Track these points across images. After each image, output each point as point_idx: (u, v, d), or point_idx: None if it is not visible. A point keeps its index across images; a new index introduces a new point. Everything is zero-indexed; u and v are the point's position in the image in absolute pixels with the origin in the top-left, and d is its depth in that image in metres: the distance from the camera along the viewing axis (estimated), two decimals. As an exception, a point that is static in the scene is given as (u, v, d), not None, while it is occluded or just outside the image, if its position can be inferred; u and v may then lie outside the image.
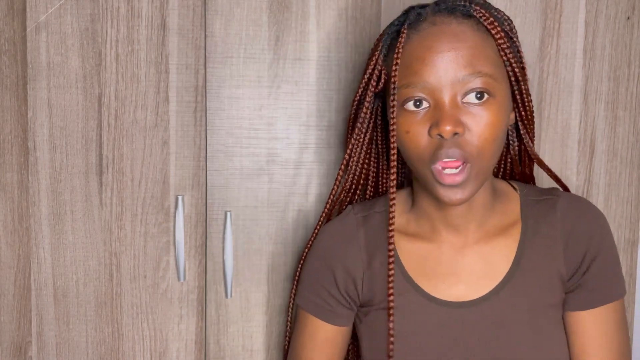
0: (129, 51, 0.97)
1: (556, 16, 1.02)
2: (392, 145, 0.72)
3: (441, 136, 0.68)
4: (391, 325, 0.74)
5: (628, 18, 1.03)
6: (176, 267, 1.00)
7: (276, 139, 1.01)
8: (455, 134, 0.68)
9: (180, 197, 0.98)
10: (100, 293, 1.00)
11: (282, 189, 1.01)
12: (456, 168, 0.68)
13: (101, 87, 0.97)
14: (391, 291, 0.74)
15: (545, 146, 1.04)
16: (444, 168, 0.69)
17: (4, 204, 0.98)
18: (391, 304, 0.74)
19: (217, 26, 0.98)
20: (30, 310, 1.00)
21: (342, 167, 0.85)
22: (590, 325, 0.76)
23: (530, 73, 1.02)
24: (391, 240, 0.74)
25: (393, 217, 0.74)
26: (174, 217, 0.99)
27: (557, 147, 1.04)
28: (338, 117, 1.01)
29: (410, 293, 0.79)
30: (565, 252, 0.77)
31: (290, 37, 0.99)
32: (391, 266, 0.74)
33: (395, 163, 0.73)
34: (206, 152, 0.99)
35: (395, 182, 0.73)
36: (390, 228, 0.74)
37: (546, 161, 1.04)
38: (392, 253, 0.74)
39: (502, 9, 1.01)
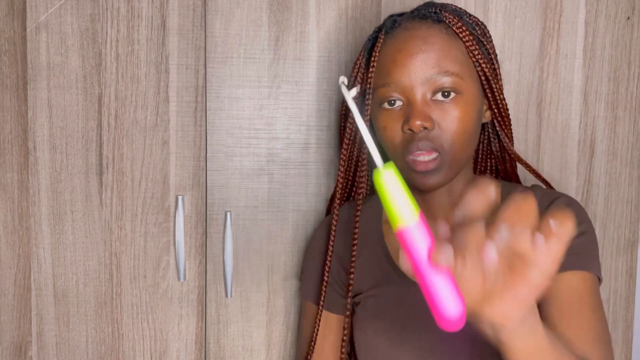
0: (129, 51, 0.97)
1: (556, 16, 1.02)
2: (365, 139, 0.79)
3: (412, 131, 0.74)
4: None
5: (628, 18, 1.03)
6: (176, 267, 1.00)
7: (276, 139, 1.01)
8: (425, 128, 0.74)
9: (180, 197, 0.98)
10: (100, 293, 1.00)
11: (282, 189, 1.01)
12: (427, 156, 0.74)
13: (101, 87, 0.97)
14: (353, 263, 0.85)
15: (545, 146, 1.04)
16: (417, 156, 0.74)
17: (4, 204, 0.98)
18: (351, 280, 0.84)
19: (217, 26, 0.98)
20: (30, 310, 1.00)
21: (340, 166, 0.89)
22: (561, 288, 0.75)
23: (530, 73, 1.02)
24: (357, 218, 0.86)
25: (360, 204, 0.84)
26: (174, 217, 0.99)
27: (557, 147, 1.04)
28: (338, 117, 1.01)
29: (394, 278, 0.84)
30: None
31: (290, 37, 0.99)
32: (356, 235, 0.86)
33: (366, 155, 0.81)
34: (206, 152, 0.99)
35: (366, 172, 0.83)
36: (357, 214, 0.85)
37: (546, 161, 1.04)
38: (356, 231, 0.85)
39: (502, 9, 1.01)
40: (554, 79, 1.03)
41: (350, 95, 0.43)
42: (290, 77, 1.00)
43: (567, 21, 1.02)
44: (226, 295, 1.01)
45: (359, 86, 0.42)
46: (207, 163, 1.00)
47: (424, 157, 0.74)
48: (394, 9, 1.00)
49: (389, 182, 0.42)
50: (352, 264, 0.86)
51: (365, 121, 0.79)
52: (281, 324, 1.04)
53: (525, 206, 0.41)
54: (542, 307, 0.77)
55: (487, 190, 0.43)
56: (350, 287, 0.86)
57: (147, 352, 1.02)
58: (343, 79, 0.43)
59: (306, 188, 1.02)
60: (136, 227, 0.99)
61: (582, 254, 0.78)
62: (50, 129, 0.97)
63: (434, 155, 0.74)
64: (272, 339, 1.04)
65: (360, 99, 0.87)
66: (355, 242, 0.86)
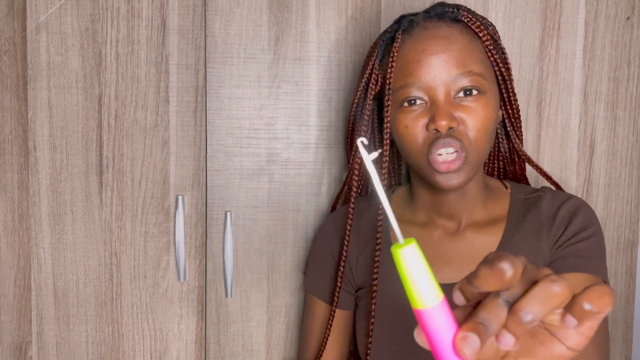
0: (129, 51, 0.97)
1: (556, 16, 1.02)
2: (385, 142, 0.80)
3: (437, 130, 0.74)
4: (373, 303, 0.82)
5: (628, 18, 1.03)
6: (176, 267, 1.00)
7: (276, 139, 1.01)
8: (451, 128, 0.73)
9: (180, 197, 0.98)
10: (100, 293, 1.00)
11: (282, 189, 1.01)
12: (452, 155, 0.74)
13: (101, 87, 0.97)
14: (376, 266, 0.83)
15: (545, 146, 1.04)
16: (440, 155, 0.74)
17: (4, 204, 0.98)
18: (375, 276, 0.82)
19: (217, 26, 0.98)
20: (30, 310, 1.00)
21: (354, 169, 0.88)
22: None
23: (530, 73, 1.02)
24: (380, 223, 0.83)
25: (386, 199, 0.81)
26: (174, 217, 0.99)
27: (557, 147, 1.04)
28: (338, 117, 1.01)
29: (397, 273, 0.82)
30: (549, 230, 0.80)
31: (290, 37, 0.99)
32: (378, 240, 0.83)
33: (387, 157, 0.81)
34: (206, 152, 0.99)
35: (386, 173, 0.82)
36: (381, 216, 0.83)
37: (546, 161, 1.04)
38: (379, 234, 0.83)
39: (502, 9, 1.01)
40: (554, 78, 1.03)
41: (370, 158, 0.39)
42: (290, 77, 1.00)
43: (567, 21, 1.02)
44: (226, 295, 1.01)
45: (380, 150, 0.40)
46: (207, 163, 1.00)
47: (447, 157, 0.73)
48: (394, 9, 1.00)
49: (411, 260, 0.38)
50: (377, 261, 0.84)
51: (386, 124, 0.79)
52: (281, 324, 1.04)
53: (556, 298, 0.37)
54: None
55: (504, 274, 0.37)
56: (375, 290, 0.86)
57: (147, 352, 1.02)
58: (362, 140, 0.41)
59: (306, 188, 1.02)
60: (136, 227, 0.99)
61: (589, 257, 0.79)
62: (50, 129, 0.97)
63: (456, 154, 0.73)
64: (272, 339, 1.04)
65: (377, 100, 0.86)
66: (379, 241, 0.85)
